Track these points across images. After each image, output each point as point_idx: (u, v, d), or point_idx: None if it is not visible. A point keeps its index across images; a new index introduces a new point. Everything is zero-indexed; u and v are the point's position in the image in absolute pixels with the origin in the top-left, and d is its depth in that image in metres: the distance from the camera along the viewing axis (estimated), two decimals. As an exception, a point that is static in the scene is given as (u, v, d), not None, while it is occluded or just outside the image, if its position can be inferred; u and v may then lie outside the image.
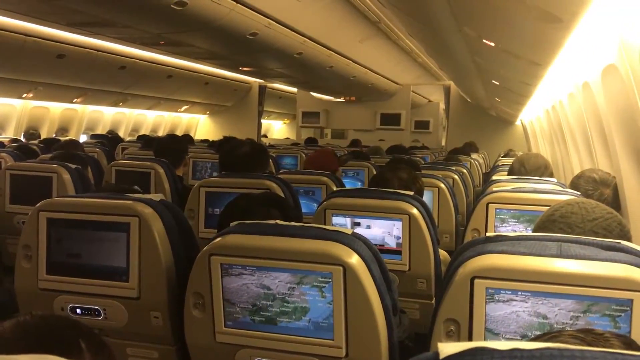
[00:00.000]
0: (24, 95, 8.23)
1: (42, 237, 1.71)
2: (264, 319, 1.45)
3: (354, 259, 1.39)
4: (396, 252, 2.23)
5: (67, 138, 7.43)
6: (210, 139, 8.95)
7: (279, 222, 1.52)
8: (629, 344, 0.73)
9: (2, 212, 3.20)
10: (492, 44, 3.58)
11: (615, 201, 2.46)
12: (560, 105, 4.28)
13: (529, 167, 2.99)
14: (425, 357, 0.58)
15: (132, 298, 1.66)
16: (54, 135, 9.05)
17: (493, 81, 5.94)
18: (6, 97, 8.12)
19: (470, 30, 3.60)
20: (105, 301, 1.69)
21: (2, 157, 4.00)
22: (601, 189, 2.45)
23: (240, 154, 2.92)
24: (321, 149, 4.52)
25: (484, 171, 6.80)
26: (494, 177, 3.68)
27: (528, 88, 5.08)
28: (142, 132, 11.04)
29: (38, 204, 1.74)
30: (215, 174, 4.15)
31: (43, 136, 8.60)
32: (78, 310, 1.72)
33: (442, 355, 0.56)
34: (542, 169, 2.96)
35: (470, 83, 7.81)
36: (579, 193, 2.23)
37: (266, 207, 1.71)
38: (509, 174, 3.12)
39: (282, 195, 2.47)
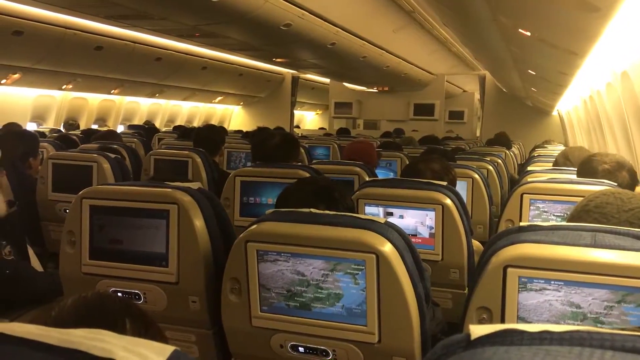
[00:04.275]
0: (64, 87, 8.43)
1: (85, 224, 1.77)
2: (298, 305, 1.49)
3: (387, 247, 1.41)
4: (429, 242, 2.24)
5: (105, 128, 7.60)
6: (244, 130, 9.04)
7: (313, 210, 1.55)
8: None
9: (44, 200, 3.30)
10: (528, 34, 3.53)
11: (633, 183, 2.40)
12: (598, 95, 4.20)
13: (574, 159, 2.94)
14: (456, 339, 0.60)
15: (171, 283, 1.71)
16: (93, 125, 9.26)
17: (529, 71, 5.85)
18: (47, 88, 8.33)
19: (505, 19, 3.56)
20: (146, 286, 1.74)
21: (44, 147, 4.12)
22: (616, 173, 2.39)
23: (272, 145, 2.97)
24: (360, 140, 4.52)
25: (519, 162, 6.71)
26: (529, 168, 3.64)
27: (565, 78, 4.99)
28: (177, 123, 11.19)
29: (81, 192, 1.80)
30: (249, 164, 4.21)
31: (82, 127, 8.80)
32: (119, 295, 1.78)
33: (473, 337, 0.58)
34: None
35: (506, 73, 7.70)
36: (615, 184, 2.20)
37: (314, 201, 1.69)
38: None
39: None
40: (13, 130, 4.27)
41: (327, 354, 1.49)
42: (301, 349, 1.52)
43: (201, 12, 5.51)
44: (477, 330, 0.58)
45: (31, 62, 7.19)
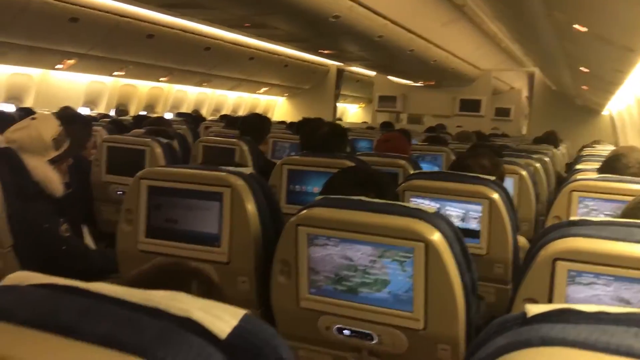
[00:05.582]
0: (115, 73, 8.65)
1: (143, 203, 1.85)
2: (345, 288, 1.52)
3: (436, 236, 1.43)
4: (474, 235, 2.24)
5: (154, 115, 7.78)
6: (288, 121, 9.12)
7: (362, 198, 1.58)
8: None
9: (99, 181, 3.42)
10: (584, 29, 3.46)
11: None
12: (653, 94, 4.09)
13: None
14: (512, 317, 0.63)
15: (223, 263, 1.77)
16: (141, 112, 9.48)
17: (581, 68, 5.72)
18: (99, 74, 8.57)
19: (561, 14, 3.50)
20: (198, 264, 1.81)
21: (97, 131, 4.26)
22: None
23: (321, 135, 3.00)
24: (392, 133, 4.43)
25: (566, 161, 6.57)
26: (578, 167, 3.58)
27: (619, 75, 4.87)
28: (223, 112, 11.36)
29: (140, 172, 1.88)
30: (293, 153, 4.27)
31: (131, 113, 9.03)
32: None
33: (529, 314, 0.60)
34: None
35: (557, 70, 7.55)
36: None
37: (362, 189, 1.73)
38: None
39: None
40: (74, 115, 4.40)
41: (372, 338, 1.52)
42: (346, 332, 1.55)
43: (252, 2, 5.59)
44: (534, 308, 0.60)
45: (85, 49, 7.41)
